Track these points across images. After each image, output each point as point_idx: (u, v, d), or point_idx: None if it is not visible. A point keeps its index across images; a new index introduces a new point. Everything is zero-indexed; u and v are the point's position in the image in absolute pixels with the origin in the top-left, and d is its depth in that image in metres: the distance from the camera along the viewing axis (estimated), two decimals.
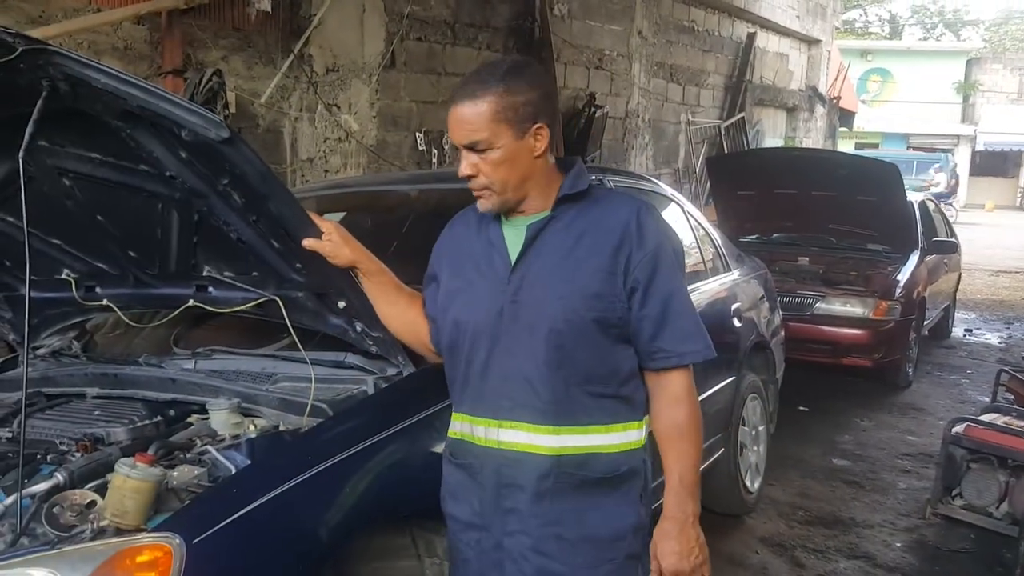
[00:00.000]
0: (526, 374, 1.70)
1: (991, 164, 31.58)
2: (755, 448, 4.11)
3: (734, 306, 3.83)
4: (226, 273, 2.20)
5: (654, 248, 1.70)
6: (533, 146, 1.69)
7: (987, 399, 5.03)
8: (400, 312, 1.95)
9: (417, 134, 6.45)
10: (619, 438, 1.74)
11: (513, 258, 1.73)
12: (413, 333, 1.95)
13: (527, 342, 1.69)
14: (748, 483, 3.99)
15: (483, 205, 1.73)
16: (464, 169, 1.69)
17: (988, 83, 32.43)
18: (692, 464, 1.73)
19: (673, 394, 1.74)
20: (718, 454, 3.67)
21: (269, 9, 4.87)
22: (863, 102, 25.78)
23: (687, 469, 1.72)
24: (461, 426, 1.81)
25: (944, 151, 28.21)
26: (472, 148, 1.67)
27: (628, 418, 1.75)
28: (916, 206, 7.09)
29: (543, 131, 1.69)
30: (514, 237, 1.75)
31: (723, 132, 11.41)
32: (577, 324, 1.68)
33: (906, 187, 6.69)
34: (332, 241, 1.90)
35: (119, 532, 1.63)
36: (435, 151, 6.54)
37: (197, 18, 4.78)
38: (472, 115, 1.65)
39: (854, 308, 5.97)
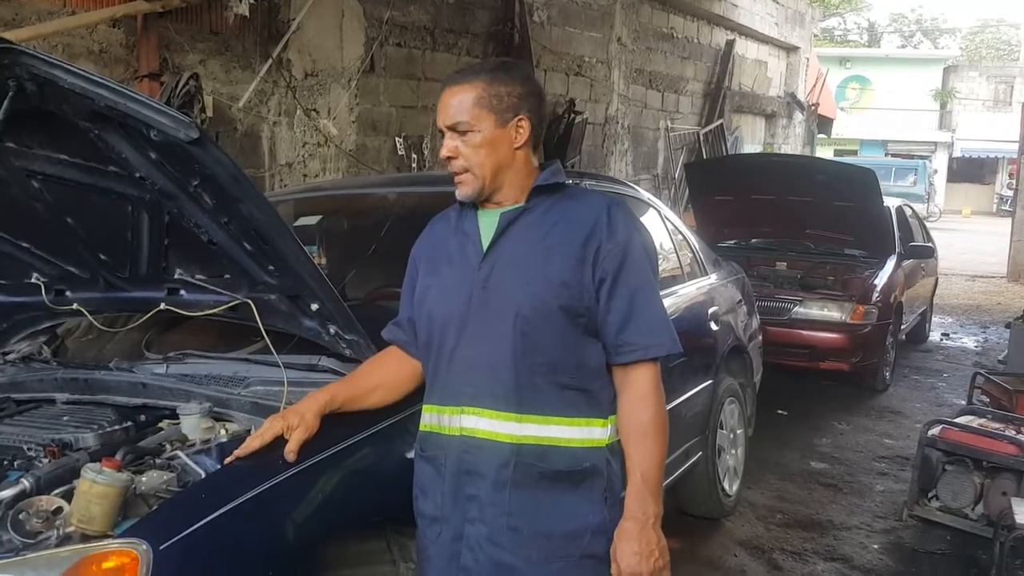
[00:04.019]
0: (491, 360, 1.71)
1: (968, 170, 31.96)
2: (733, 451, 4.12)
3: (711, 310, 3.84)
4: (198, 276, 2.18)
5: (624, 241, 1.73)
6: (513, 137, 1.75)
7: (963, 402, 5.07)
8: (383, 387, 1.94)
9: (397, 139, 6.45)
10: (581, 433, 1.73)
11: (486, 246, 1.75)
12: (410, 380, 1.93)
13: (494, 328, 1.71)
14: (726, 486, 4.00)
15: (461, 191, 1.76)
16: (445, 150, 1.75)
17: (965, 90, 32.84)
18: (656, 463, 1.72)
19: (639, 391, 1.74)
20: (696, 457, 3.67)
21: (247, 13, 4.84)
22: (842, 109, 26.01)
23: (650, 468, 1.71)
24: (430, 417, 1.82)
25: (922, 158, 28.50)
26: (454, 129, 1.73)
27: (591, 414, 1.75)
28: (893, 211, 7.15)
29: (524, 123, 1.76)
30: (488, 227, 1.78)
31: (702, 138, 11.48)
32: (543, 311, 1.70)
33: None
34: (302, 428, 1.82)
35: (85, 538, 1.60)
36: (415, 156, 6.54)
37: (174, 21, 4.76)
38: (457, 98, 1.73)
39: (831, 312, 6.01)
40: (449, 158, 1.74)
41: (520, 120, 1.75)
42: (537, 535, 1.70)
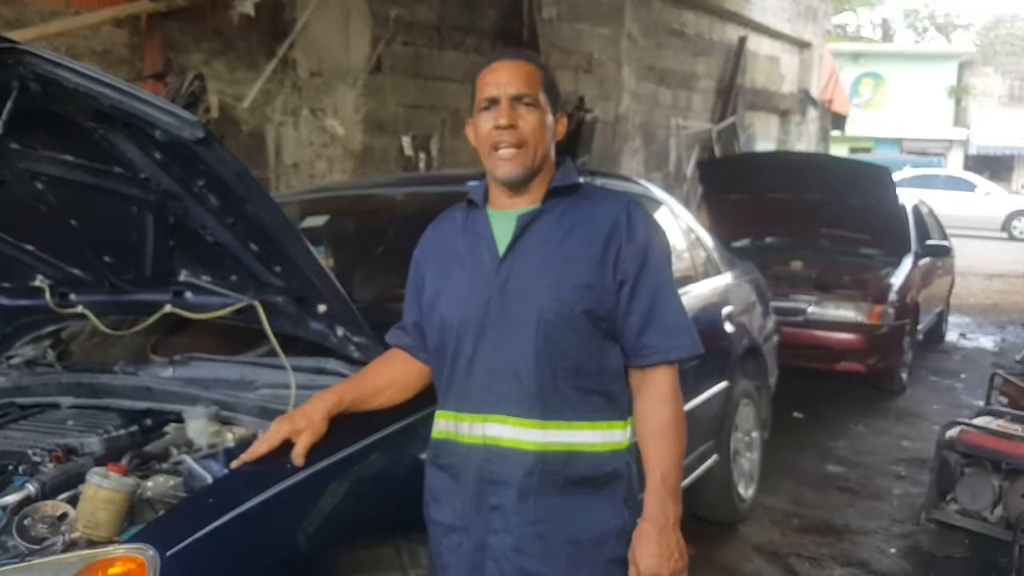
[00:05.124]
0: (513, 366, 1.68)
1: (984, 168, 31.70)
2: (748, 455, 4.07)
3: (726, 310, 3.80)
4: (204, 278, 2.17)
5: (644, 242, 1.72)
6: (555, 130, 1.77)
7: (981, 403, 5.00)
8: (392, 387, 1.91)
9: (404, 138, 6.42)
10: (603, 436, 1.72)
11: (501, 249, 1.72)
12: (419, 380, 1.91)
13: (515, 334, 1.68)
14: (741, 490, 3.95)
15: (508, 167, 1.71)
16: (505, 118, 1.69)
17: (980, 87, 32.58)
18: (674, 465, 1.71)
19: (658, 393, 1.72)
20: (711, 461, 3.63)
21: (252, 12, 4.83)
22: (855, 106, 25.84)
23: (669, 470, 1.69)
24: (445, 424, 1.78)
25: (937, 155, 28.30)
26: (519, 100, 1.70)
27: (612, 416, 1.73)
28: (909, 209, 7.08)
29: (564, 120, 1.79)
30: (501, 229, 1.74)
31: (715, 136, 11.41)
32: (566, 315, 1.67)
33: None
34: (309, 432, 1.79)
35: (91, 544, 1.59)
36: (422, 155, 6.51)
37: (178, 21, 4.75)
38: (527, 72, 1.72)
39: (847, 312, 5.94)
40: (509, 126, 1.68)
41: (561, 116, 1.78)
42: (565, 542, 1.68)
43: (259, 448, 1.76)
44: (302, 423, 1.78)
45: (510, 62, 1.73)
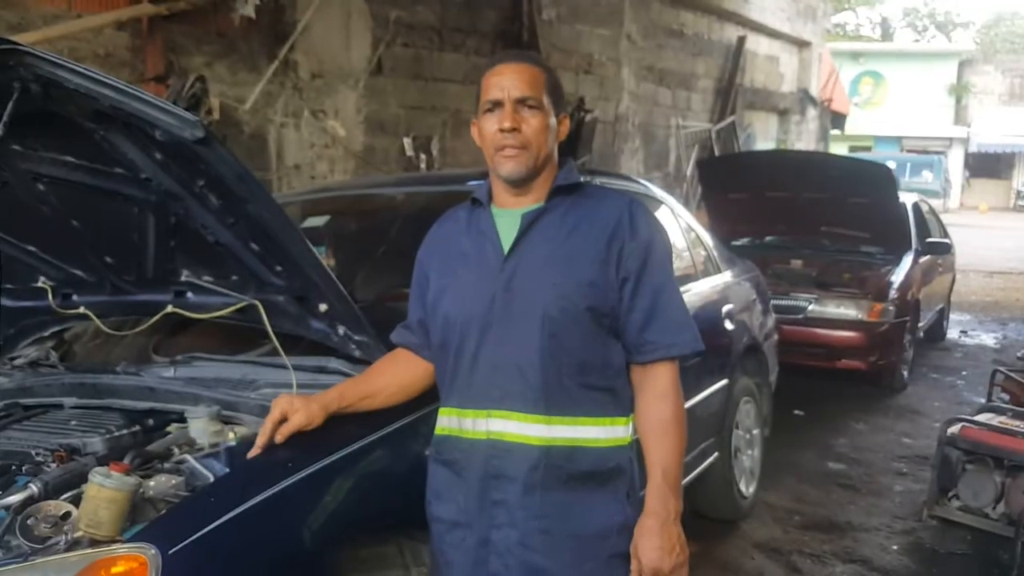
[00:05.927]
0: (517, 362, 1.69)
1: (984, 166, 31.66)
2: (749, 452, 4.07)
3: (726, 308, 3.80)
4: (205, 278, 2.17)
5: (646, 240, 1.73)
6: (558, 131, 1.78)
7: (983, 400, 5.00)
8: (394, 387, 1.92)
9: (405, 139, 6.43)
10: (606, 432, 1.73)
11: (506, 247, 1.73)
12: (422, 380, 1.91)
13: (519, 330, 1.69)
14: (743, 488, 3.95)
15: (510, 166, 1.72)
16: (508, 121, 1.70)
17: (980, 85, 32.55)
18: (676, 460, 1.72)
19: (660, 389, 1.73)
20: (712, 458, 3.63)
21: (253, 15, 4.85)
22: (855, 105, 25.82)
23: (671, 465, 1.70)
24: (448, 420, 1.79)
25: (937, 153, 28.28)
26: (523, 102, 1.71)
27: (615, 412, 1.74)
28: (909, 207, 7.07)
29: (566, 121, 1.81)
30: (505, 227, 1.75)
31: (714, 135, 11.41)
32: (571, 312, 1.68)
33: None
34: (302, 413, 1.80)
35: (94, 543, 1.59)
36: (423, 156, 6.52)
37: (179, 24, 4.77)
38: (532, 74, 1.73)
39: (848, 310, 5.94)
40: (512, 129, 1.69)
41: (564, 118, 1.79)
42: (569, 536, 1.70)
43: (265, 431, 1.78)
44: (298, 403, 1.80)
45: (514, 64, 1.74)
